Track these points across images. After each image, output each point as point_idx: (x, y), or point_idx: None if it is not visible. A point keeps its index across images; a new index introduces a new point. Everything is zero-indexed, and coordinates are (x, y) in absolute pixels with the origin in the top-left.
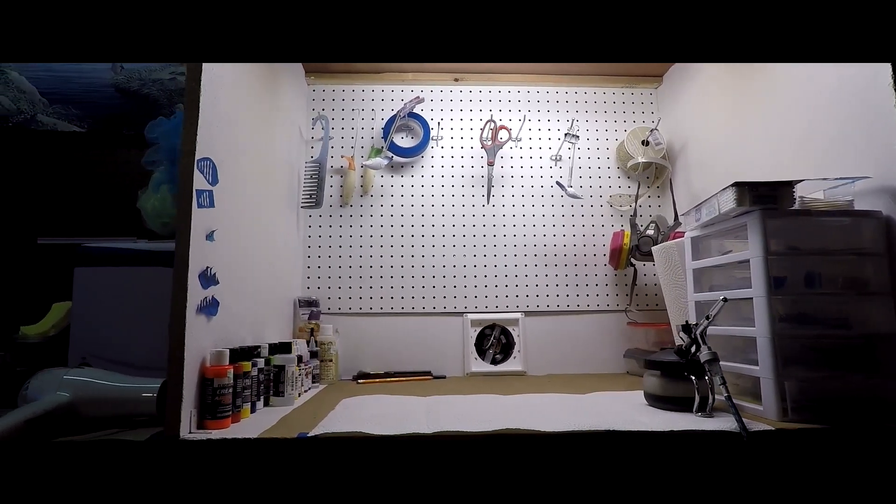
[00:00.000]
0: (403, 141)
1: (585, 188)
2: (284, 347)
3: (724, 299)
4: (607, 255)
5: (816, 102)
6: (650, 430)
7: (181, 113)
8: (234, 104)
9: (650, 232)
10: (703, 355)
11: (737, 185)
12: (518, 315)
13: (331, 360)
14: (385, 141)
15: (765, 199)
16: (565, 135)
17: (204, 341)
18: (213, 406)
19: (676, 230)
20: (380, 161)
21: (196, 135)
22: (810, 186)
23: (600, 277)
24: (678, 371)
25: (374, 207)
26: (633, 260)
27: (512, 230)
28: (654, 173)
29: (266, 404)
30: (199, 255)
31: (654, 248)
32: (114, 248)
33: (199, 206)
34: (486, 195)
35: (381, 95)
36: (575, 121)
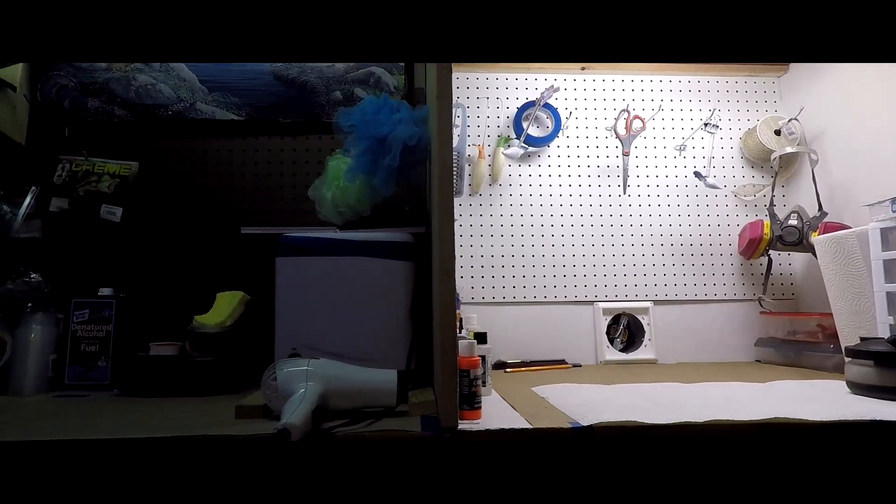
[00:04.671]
0: (531, 129)
1: (710, 178)
2: (481, 337)
3: None
4: (736, 244)
5: None
6: None
7: (372, 100)
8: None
9: (793, 222)
10: None
11: None
12: (648, 304)
13: None
14: (516, 129)
15: None
16: (704, 125)
17: None
18: (469, 397)
19: (826, 220)
20: (517, 150)
21: (450, 125)
22: None
23: (727, 267)
24: None
25: (504, 196)
26: (768, 250)
27: (639, 220)
28: (779, 163)
29: None
30: None
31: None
32: (315, 238)
33: None
34: (622, 185)
35: (504, 84)
36: (716, 111)
